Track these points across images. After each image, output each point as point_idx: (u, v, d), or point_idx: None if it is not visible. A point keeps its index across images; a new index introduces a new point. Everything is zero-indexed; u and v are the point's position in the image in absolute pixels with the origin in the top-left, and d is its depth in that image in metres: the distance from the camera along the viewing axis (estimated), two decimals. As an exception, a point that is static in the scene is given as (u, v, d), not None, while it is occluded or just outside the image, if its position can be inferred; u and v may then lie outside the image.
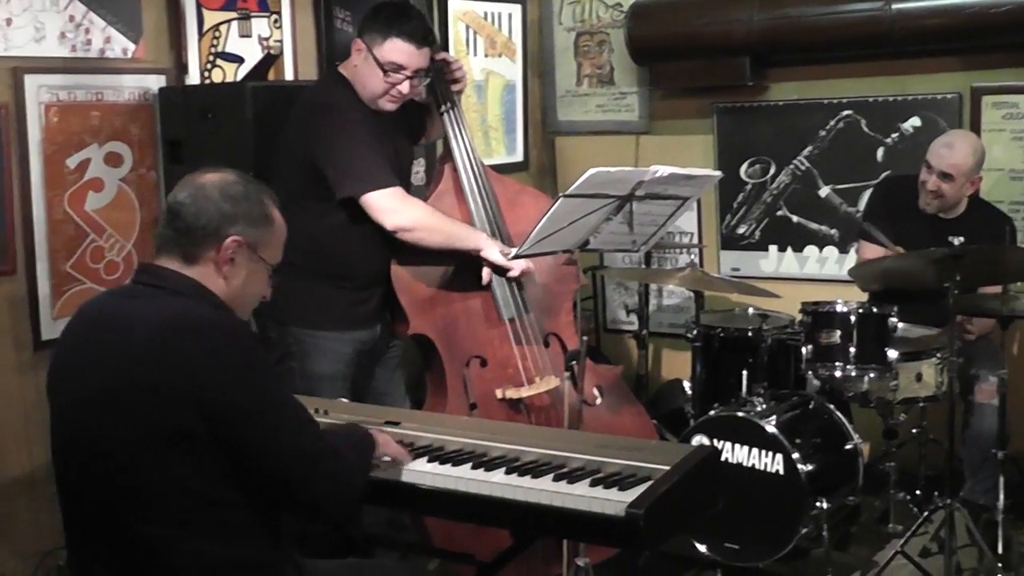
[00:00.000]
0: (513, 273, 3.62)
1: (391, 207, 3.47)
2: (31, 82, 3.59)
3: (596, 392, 3.86)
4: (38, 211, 3.64)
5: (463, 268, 3.65)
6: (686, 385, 4.46)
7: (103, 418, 2.20)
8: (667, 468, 2.43)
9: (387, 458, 2.55)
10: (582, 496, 2.36)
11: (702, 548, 3.92)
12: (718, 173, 3.34)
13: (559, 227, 3.19)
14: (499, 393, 3.67)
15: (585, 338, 3.35)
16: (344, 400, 3.21)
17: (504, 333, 3.71)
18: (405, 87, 3.50)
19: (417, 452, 2.66)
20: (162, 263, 2.36)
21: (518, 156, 5.53)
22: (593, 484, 2.40)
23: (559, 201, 3.11)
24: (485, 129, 5.35)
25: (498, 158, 5.35)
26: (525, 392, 3.68)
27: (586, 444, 2.62)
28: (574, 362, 3.35)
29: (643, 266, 5.05)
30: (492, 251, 3.60)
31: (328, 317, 3.58)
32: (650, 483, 2.38)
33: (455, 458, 2.61)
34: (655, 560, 3.95)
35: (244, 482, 2.24)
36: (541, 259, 3.68)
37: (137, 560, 2.23)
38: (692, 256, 4.94)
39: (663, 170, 3.17)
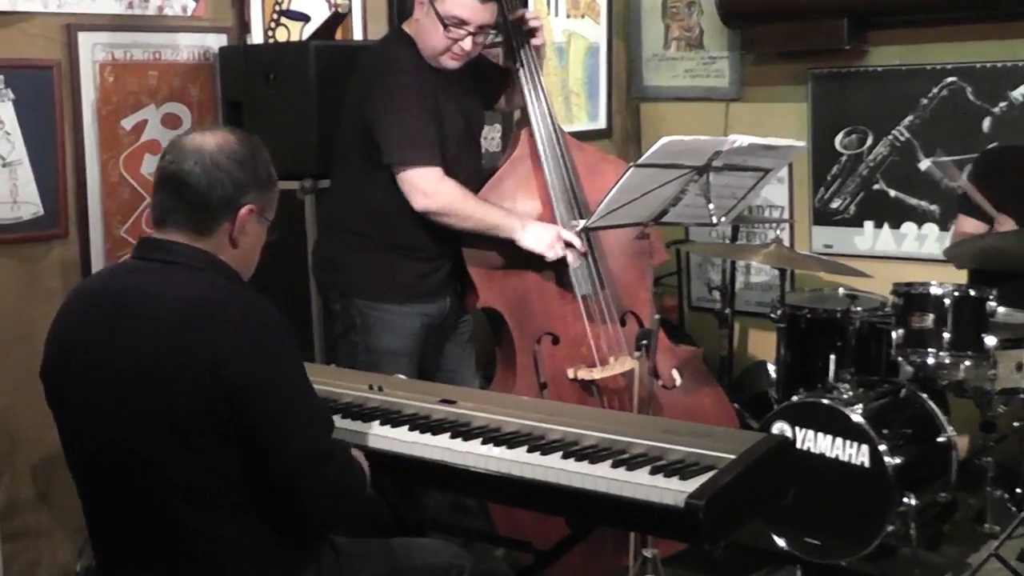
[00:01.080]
0: (550, 256, 3.58)
1: (423, 188, 3.46)
2: (85, 40, 3.63)
3: (675, 374, 3.84)
4: (92, 174, 3.69)
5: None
6: (771, 368, 4.39)
7: (133, 400, 2.20)
8: (732, 457, 2.41)
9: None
10: (640, 484, 2.35)
11: (780, 542, 3.87)
12: (801, 144, 3.28)
13: (631, 199, 3.16)
14: (571, 373, 3.66)
15: (657, 316, 3.32)
16: (401, 376, 3.21)
17: (578, 310, 3.69)
18: (467, 44, 3.47)
19: (472, 433, 2.67)
20: (168, 236, 2.32)
21: (601, 123, 5.48)
22: (653, 472, 2.39)
23: (630, 171, 3.07)
24: (566, 94, 5.30)
25: (579, 125, 5.31)
26: (598, 373, 3.66)
27: (650, 429, 2.60)
28: (645, 341, 3.33)
29: (730, 241, 4.98)
30: (529, 238, 3.57)
31: (394, 289, 3.58)
32: (713, 472, 2.36)
33: (511, 440, 2.62)
34: (730, 553, 3.91)
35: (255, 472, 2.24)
36: (618, 233, 3.65)
37: (166, 545, 2.25)
38: (778, 232, 4.85)
39: (741, 140, 3.12)
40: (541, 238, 3.57)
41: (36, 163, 3.56)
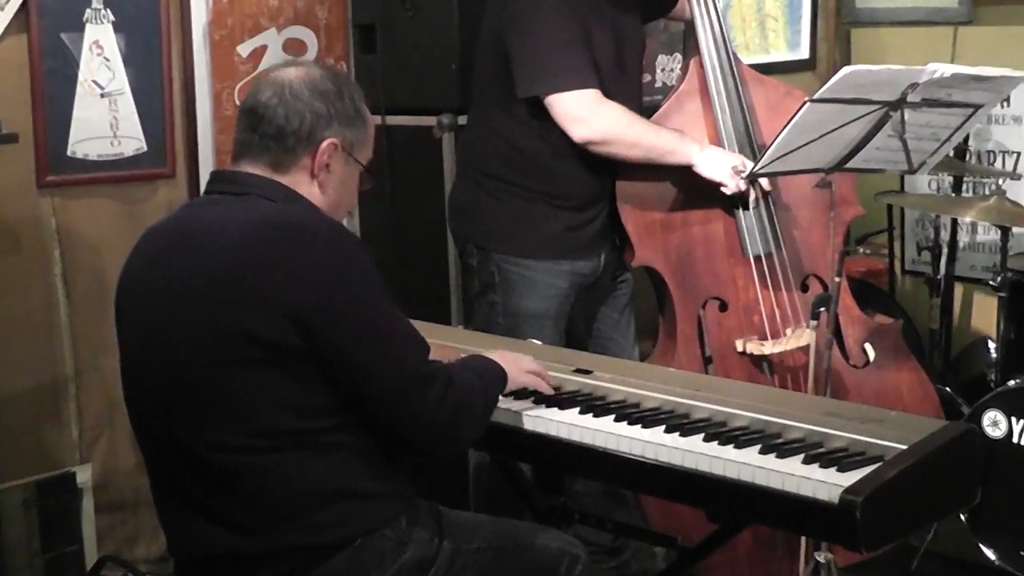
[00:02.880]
0: (728, 190, 3.55)
1: (579, 114, 3.45)
2: (197, -47, 3.76)
3: (868, 349, 3.78)
4: (203, 107, 3.83)
5: (704, 185, 3.60)
6: (991, 346, 4.28)
7: (189, 327, 2.32)
8: (903, 448, 2.38)
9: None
10: (790, 475, 2.34)
11: (990, 555, 3.78)
12: (1021, 74, 3.15)
13: (807, 140, 3.10)
14: (739, 346, 3.65)
15: (838, 279, 3.26)
16: (535, 342, 3.25)
17: (750, 272, 3.67)
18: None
19: (606, 408, 2.71)
20: (243, 168, 2.46)
21: (802, 52, 5.38)
22: (808, 461, 2.39)
23: (805, 107, 3.02)
24: (761, 19, 5.22)
25: (776, 55, 5.24)
26: (770, 348, 3.63)
27: (812, 411, 2.61)
28: (822, 309, 3.29)
29: (951, 193, 4.85)
30: (710, 166, 3.53)
31: (539, 243, 3.62)
32: (878, 465, 2.34)
33: (648, 418, 2.65)
34: (927, 565, 3.84)
35: (347, 404, 2.35)
36: (802, 182, 3.60)
37: (224, 487, 2.35)
38: (1002, 183, 4.69)
39: (943, 69, 3.02)
40: (722, 164, 3.54)
41: (139, 93, 3.72)
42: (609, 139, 3.48)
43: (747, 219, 3.65)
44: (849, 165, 3.25)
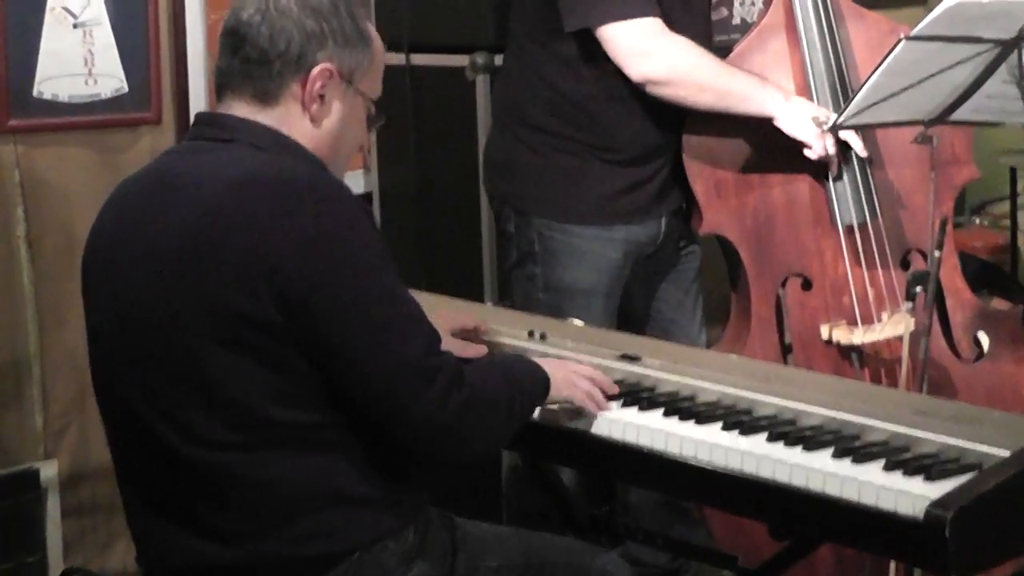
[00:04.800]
0: (814, 153, 3.51)
1: (639, 47, 3.43)
2: None
3: (979, 341, 3.76)
4: (194, 43, 3.84)
5: (788, 138, 3.56)
6: None
7: (159, 298, 2.31)
8: (1006, 454, 2.35)
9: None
10: (868, 483, 2.32)
11: None
12: None
13: (904, 85, 3.07)
14: (825, 332, 3.63)
15: (938, 253, 3.22)
16: (576, 321, 3.23)
17: (839, 244, 3.65)
18: None
19: (655, 401, 2.70)
20: (228, 109, 2.44)
21: (914, -19, 5.34)
22: (890, 467, 2.36)
23: (900, 45, 2.98)
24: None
25: (880, -16, 5.19)
26: (861, 335, 3.60)
27: (900, 409, 2.58)
28: (919, 288, 3.24)
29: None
30: (795, 121, 3.50)
31: (588, 205, 3.61)
32: (974, 474, 2.31)
33: (703, 414, 2.64)
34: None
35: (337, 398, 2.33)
36: (906, 136, 3.55)
37: (201, 488, 2.35)
38: None
39: (1072, -2, 2.98)
40: (809, 120, 3.51)
41: (119, 24, 3.72)
42: (674, 78, 3.46)
43: (838, 181, 3.62)
44: (955, 116, 3.22)
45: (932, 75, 3.07)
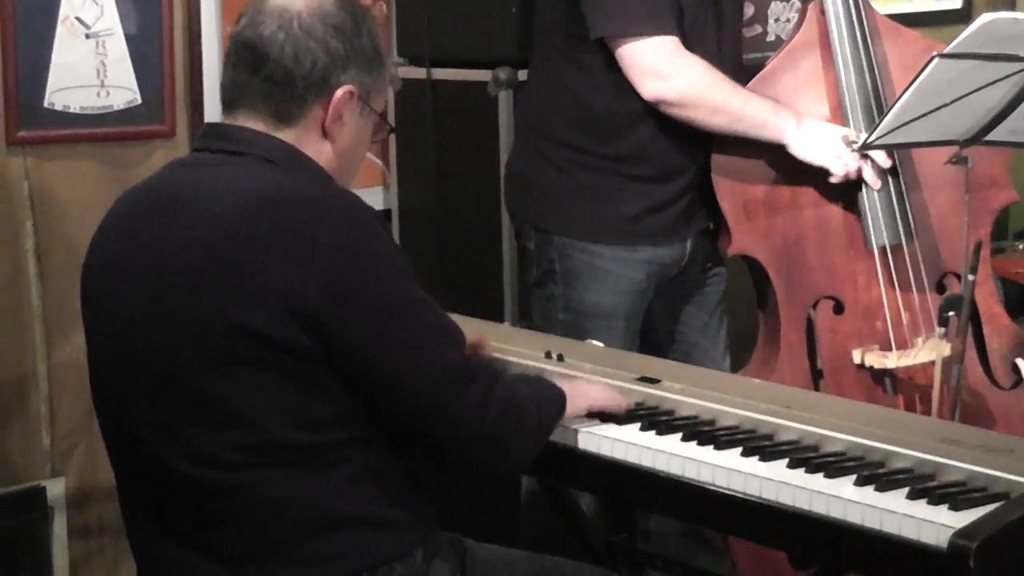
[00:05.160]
0: (835, 178, 3.51)
1: (652, 67, 3.43)
2: None
3: (1018, 368, 3.74)
4: (209, 52, 3.84)
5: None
6: None
7: (169, 317, 2.31)
8: None
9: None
10: (890, 511, 2.31)
11: None
12: None
13: (937, 104, 3.05)
14: (857, 356, 3.61)
15: (972, 277, 3.21)
16: (595, 343, 3.23)
17: (873, 267, 3.63)
18: None
19: (673, 425, 2.70)
20: (243, 123, 2.43)
21: (954, 0, 5.35)
22: (914, 496, 2.35)
23: (933, 63, 2.96)
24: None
25: (921, 3, 5.26)
26: (895, 360, 3.58)
27: (927, 436, 2.57)
28: (952, 312, 3.24)
29: None
30: (808, 146, 3.49)
31: (611, 224, 3.61)
32: (1000, 504, 2.30)
33: (724, 438, 2.63)
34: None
35: (360, 414, 2.34)
36: (942, 157, 3.53)
37: (207, 509, 2.35)
38: None
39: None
40: (825, 144, 3.51)
41: (133, 34, 3.73)
42: (687, 100, 3.46)
43: (871, 201, 3.60)
44: (990, 137, 3.20)
45: (966, 94, 3.05)
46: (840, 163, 3.48)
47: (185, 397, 2.31)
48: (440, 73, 4.14)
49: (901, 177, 3.63)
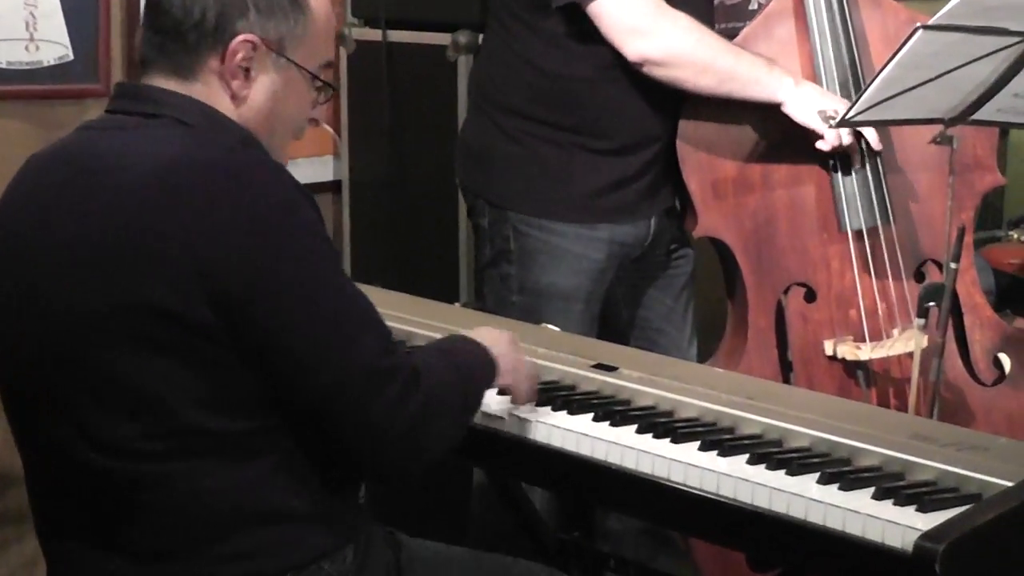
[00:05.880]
0: (827, 144, 3.50)
1: (636, 24, 3.41)
2: None
3: (1000, 363, 3.74)
4: (147, 3, 3.79)
5: (795, 132, 3.55)
6: None
7: (74, 293, 2.26)
8: (1008, 484, 2.32)
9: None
10: (854, 511, 2.29)
11: None
12: None
13: (921, 80, 3.03)
14: (829, 347, 3.62)
15: (954, 265, 3.20)
16: (550, 327, 3.21)
17: (847, 251, 3.64)
18: None
19: (628, 416, 2.69)
20: (155, 82, 2.40)
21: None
22: (880, 495, 2.34)
23: (917, 35, 2.95)
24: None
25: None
26: (868, 352, 3.59)
27: (898, 432, 2.57)
28: (932, 303, 3.23)
29: None
30: (805, 107, 3.48)
31: (570, 200, 3.59)
32: (971, 506, 2.29)
33: (682, 431, 2.61)
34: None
35: (280, 401, 2.29)
36: (923, 136, 3.53)
37: (117, 502, 2.31)
38: None
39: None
40: (819, 106, 3.49)
41: (64, -16, 3.70)
42: (674, 58, 3.45)
43: (847, 182, 3.61)
44: (977, 116, 3.18)
45: (952, 70, 3.03)
46: (833, 131, 3.48)
47: (89, 378, 2.28)
48: (396, 35, 4.15)
49: (879, 156, 3.62)
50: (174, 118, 2.35)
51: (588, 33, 3.45)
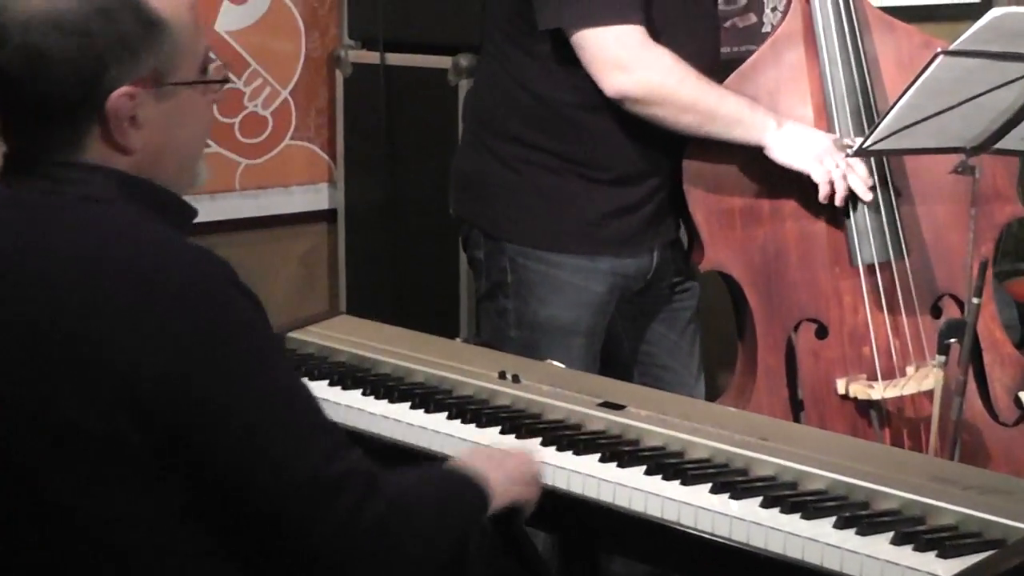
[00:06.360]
0: (819, 180, 3.48)
1: (616, 59, 3.40)
2: None
3: (1021, 401, 3.73)
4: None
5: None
6: None
7: None
8: None
9: None
10: (872, 557, 2.29)
11: None
12: None
13: (941, 107, 3.04)
14: (841, 386, 3.61)
15: (976, 300, 3.20)
16: (555, 363, 3.20)
17: (859, 286, 3.63)
18: None
19: (636, 457, 2.68)
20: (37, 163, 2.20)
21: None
22: (899, 541, 2.33)
23: (937, 61, 2.96)
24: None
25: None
26: (881, 391, 3.58)
27: (918, 475, 2.56)
28: (953, 340, 3.22)
29: None
30: (788, 149, 3.48)
31: (569, 230, 3.59)
32: (994, 552, 2.27)
33: (692, 472, 2.61)
34: None
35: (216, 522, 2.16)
36: (938, 166, 3.54)
37: None
38: None
39: None
40: (806, 148, 3.49)
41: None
42: (653, 96, 3.44)
43: (859, 214, 3.60)
44: (1001, 145, 3.18)
45: (974, 97, 3.04)
46: (822, 169, 3.47)
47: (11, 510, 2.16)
48: (395, 58, 4.15)
49: (891, 187, 3.63)
50: (79, 195, 2.17)
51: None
